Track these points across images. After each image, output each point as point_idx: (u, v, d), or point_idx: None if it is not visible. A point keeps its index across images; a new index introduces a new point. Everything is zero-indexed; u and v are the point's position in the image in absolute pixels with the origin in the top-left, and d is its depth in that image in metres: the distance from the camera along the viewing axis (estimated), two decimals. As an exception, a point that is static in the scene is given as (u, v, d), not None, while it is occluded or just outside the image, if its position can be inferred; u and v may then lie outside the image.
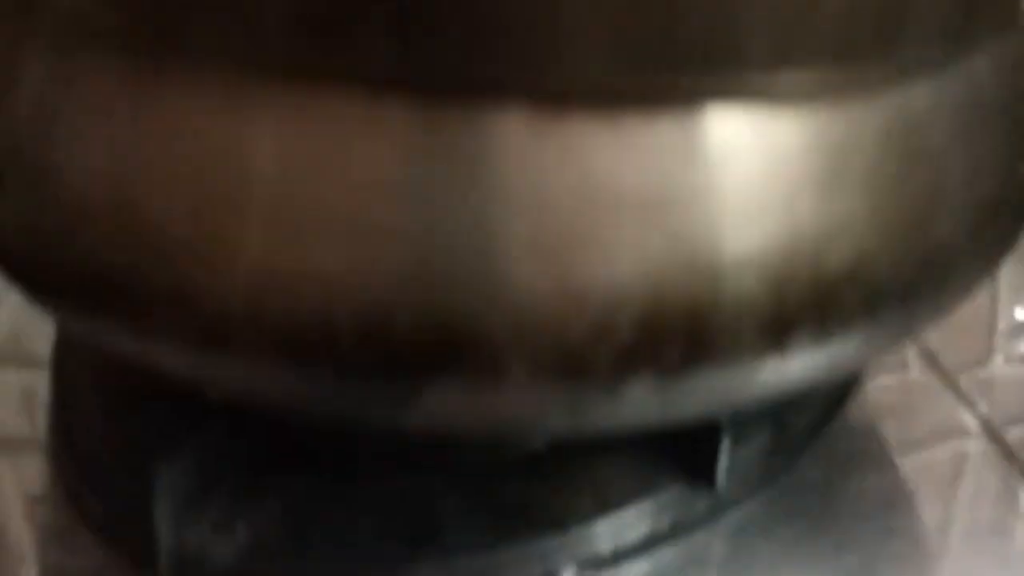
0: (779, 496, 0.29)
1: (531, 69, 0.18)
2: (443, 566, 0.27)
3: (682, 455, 0.28)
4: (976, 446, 0.32)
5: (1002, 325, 0.36)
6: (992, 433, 0.32)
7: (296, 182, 0.19)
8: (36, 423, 0.32)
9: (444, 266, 0.19)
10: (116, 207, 0.20)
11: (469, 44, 0.18)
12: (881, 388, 0.33)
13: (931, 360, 0.35)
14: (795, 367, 0.21)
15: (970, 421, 0.33)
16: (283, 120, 0.19)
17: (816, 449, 0.31)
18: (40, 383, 0.32)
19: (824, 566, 0.27)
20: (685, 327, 0.19)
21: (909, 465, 0.31)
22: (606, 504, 0.28)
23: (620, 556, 0.27)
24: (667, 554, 0.28)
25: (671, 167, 0.19)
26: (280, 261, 0.19)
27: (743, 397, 0.22)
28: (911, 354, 0.35)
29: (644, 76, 0.18)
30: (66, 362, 0.32)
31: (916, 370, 0.35)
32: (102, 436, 0.29)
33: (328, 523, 0.28)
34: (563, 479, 0.28)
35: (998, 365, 0.35)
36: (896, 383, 0.34)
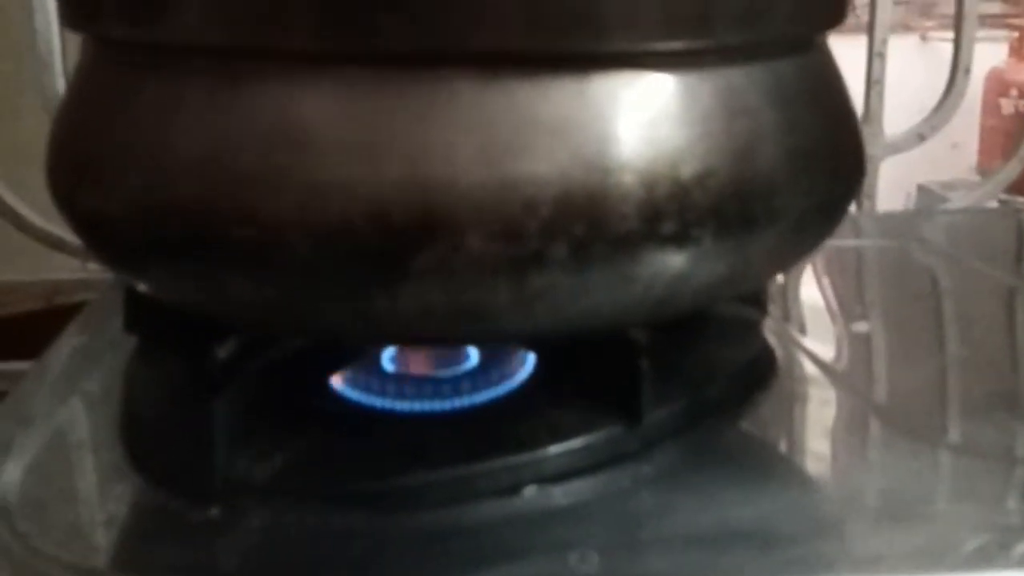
0: (697, 447, 0.37)
1: (476, 42, 0.29)
2: (428, 477, 0.34)
3: (618, 403, 0.36)
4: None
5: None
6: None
7: (331, 130, 0.29)
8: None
9: (423, 175, 0.29)
10: (212, 166, 0.30)
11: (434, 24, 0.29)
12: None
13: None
14: (673, 259, 0.30)
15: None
16: (318, 95, 0.30)
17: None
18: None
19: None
20: (586, 207, 0.29)
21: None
22: (559, 435, 0.36)
23: (570, 475, 0.35)
24: (607, 475, 0.35)
25: (573, 106, 0.29)
26: (318, 180, 0.29)
27: (645, 287, 0.31)
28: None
29: (551, 45, 0.29)
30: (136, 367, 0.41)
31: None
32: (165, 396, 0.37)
33: (342, 453, 0.36)
34: (526, 419, 0.36)
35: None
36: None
